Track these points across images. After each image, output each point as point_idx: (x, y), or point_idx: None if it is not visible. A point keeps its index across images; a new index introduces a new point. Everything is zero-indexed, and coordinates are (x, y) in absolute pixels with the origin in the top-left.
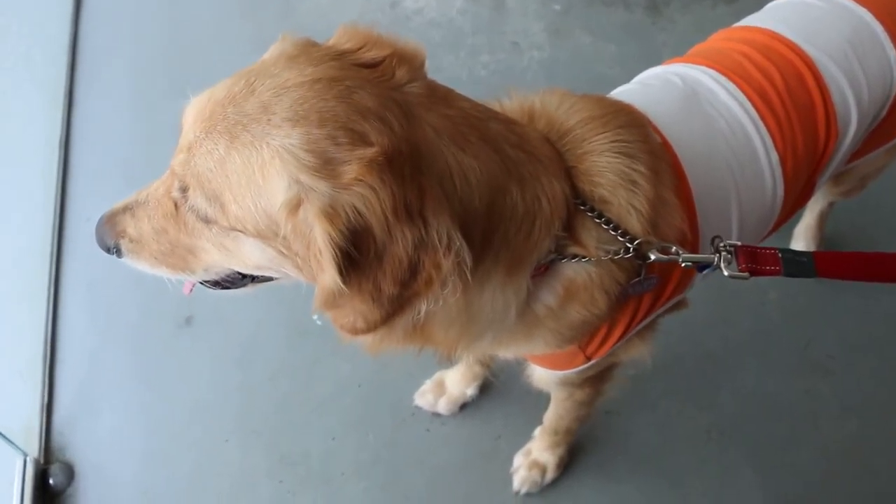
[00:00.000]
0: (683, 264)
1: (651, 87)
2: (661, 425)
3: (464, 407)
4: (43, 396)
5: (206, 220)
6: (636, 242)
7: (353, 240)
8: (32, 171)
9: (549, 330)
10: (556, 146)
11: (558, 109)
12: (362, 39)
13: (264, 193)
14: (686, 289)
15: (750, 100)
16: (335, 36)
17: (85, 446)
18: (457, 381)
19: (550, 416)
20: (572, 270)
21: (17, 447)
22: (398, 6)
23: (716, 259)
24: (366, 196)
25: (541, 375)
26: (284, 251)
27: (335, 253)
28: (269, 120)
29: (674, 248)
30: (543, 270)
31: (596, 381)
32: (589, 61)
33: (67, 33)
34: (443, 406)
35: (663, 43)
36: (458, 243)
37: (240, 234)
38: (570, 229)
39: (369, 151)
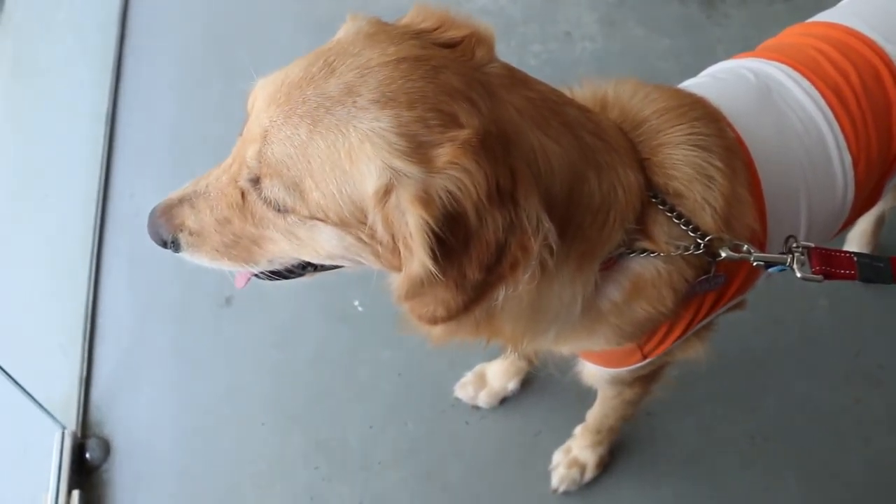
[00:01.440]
0: (755, 263)
1: (723, 81)
2: (703, 428)
3: (504, 401)
4: (82, 370)
5: (283, 210)
6: (707, 239)
7: (447, 225)
8: (77, 143)
9: (611, 326)
10: (630, 137)
11: (632, 99)
12: (438, 19)
13: (351, 180)
14: (749, 289)
15: (825, 98)
16: (410, 15)
17: (122, 422)
18: (498, 374)
19: (595, 413)
20: (640, 265)
21: (56, 419)
22: None
23: (788, 260)
24: (460, 179)
25: (591, 372)
26: (366, 239)
27: (429, 238)
28: (354, 102)
29: (745, 247)
30: (611, 265)
31: (647, 380)
32: (642, 54)
33: (118, 5)
34: (483, 399)
35: (717, 38)
36: (546, 225)
37: (318, 222)
38: (641, 223)
39: (462, 133)
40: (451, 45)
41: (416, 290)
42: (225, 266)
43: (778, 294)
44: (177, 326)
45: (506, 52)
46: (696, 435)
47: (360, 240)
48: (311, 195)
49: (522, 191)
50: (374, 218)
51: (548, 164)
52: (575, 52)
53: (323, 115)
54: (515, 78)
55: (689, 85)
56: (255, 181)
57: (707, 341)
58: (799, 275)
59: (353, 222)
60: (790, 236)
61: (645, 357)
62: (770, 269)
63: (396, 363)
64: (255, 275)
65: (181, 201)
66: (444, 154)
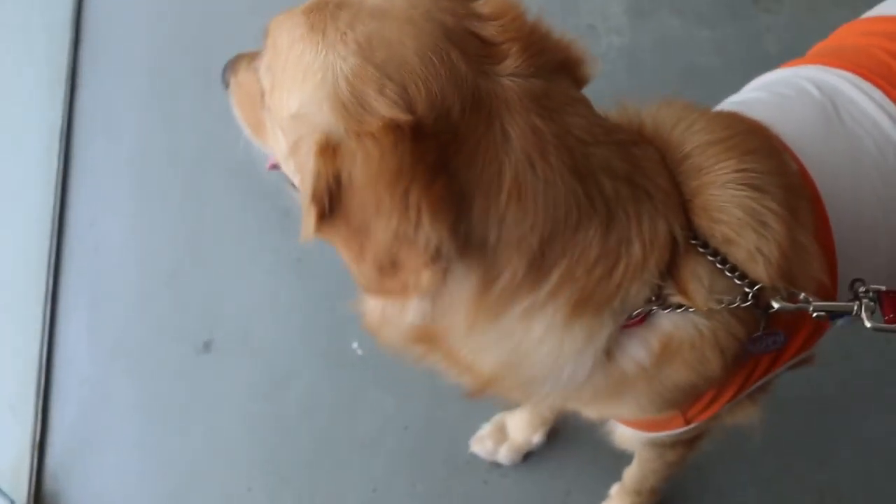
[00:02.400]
0: (815, 314)
1: (784, 99)
2: (763, 484)
3: (528, 456)
4: (35, 432)
5: (262, 93)
6: (756, 287)
7: (343, 189)
8: (28, 166)
9: (643, 393)
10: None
11: (674, 130)
12: (504, 10)
13: (295, 94)
14: (814, 344)
15: None
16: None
17: (82, 493)
18: (521, 426)
19: (633, 474)
20: (671, 323)
21: (2, 492)
22: None
23: (855, 307)
24: (370, 153)
25: (624, 434)
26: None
27: (316, 187)
28: (344, 35)
29: (802, 295)
30: (640, 321)
31: (692, 441)
32: (678, 48)
33: (70, 5)
34: (504, 454)
35: (766, 27)
36: (448, 254)
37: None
38: (676, 274)
39: (402, 117)
40: (488, 42)
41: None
42: (246, 131)
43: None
44: (146, 377)
45: None
46: (754, 492)
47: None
48: (276, 92)
49: (431, 212)
50: (290, 138)
51: (515, 199)
52: (601, 47)
53: (319, 28)
54: (540, 103)
55: (742, 101)
56: (260, 52)
57: (761, 404)
58: (869, 325)
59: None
60: (856, 280)
61: (688, 423)
62: (838, 322)
63: (403, 414)
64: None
65: (237, 61)
66: (372, 123)
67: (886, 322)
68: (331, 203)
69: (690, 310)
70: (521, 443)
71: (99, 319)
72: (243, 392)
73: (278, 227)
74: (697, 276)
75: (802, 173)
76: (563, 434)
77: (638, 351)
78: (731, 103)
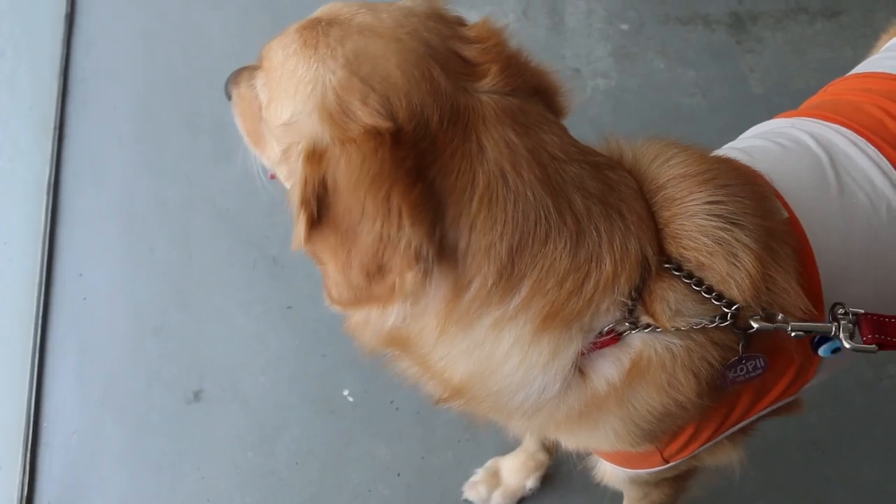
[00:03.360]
0: (793, 334)
1: (784, 149)
2: None
3: (522, 502)
4: (22, 487)
5: (260, 107)
6: (735, 308)
7: (329, 195)
8: (15, 216)
9: (619, 417)
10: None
11: (652, 164)
12: (487, 35)
13: (287, 105)
14: (801, 388)
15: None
16: (476, 24)
17: None
18: (515, 470)
19: None
20: (641, 342)
21: None
22: None
23: (834, 329)
24: (352, 158)
25: (607, 471)
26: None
27: (304, 192)
28: (334, 50)
29: (780, 316)
30: (612, 340)
31: (677, 480)
32: (663, 89)
33: (58, 55)
34: (498, 500)
35: (750, 67)
36: (427, 259)
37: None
38: (647, 295)
39: (383, 124)
40: (469, 63)
41: (301, 244)
42: (246, 140)
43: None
44: (136, 428)
45: None
46: None
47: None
48: (272, 105)
49: (411, 214)
50: (282, 146)
51: (486, 209)
52: (586, 91)
53: (312, 43)
54: (517, 120)
55: (742, 149)
56: (257, 68)
57: (742, 446)
58: (848, 346)
59: (282, 138)
60: (837, 303)
61: (666, 461)
62: (820, 350)
63: (395, 461)
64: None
65: (242, 72)
66: (354, 129)
67: (865, 343)
68: (319, 208)
69: (658, 330)
70: (515, 488)
71: (87, 370)
72: (234, 442)
73: (267, 275)
74: (665, 298)
75: (793, 222)
76: (557, 479)
77: (609, 369)
78: (731, 149)
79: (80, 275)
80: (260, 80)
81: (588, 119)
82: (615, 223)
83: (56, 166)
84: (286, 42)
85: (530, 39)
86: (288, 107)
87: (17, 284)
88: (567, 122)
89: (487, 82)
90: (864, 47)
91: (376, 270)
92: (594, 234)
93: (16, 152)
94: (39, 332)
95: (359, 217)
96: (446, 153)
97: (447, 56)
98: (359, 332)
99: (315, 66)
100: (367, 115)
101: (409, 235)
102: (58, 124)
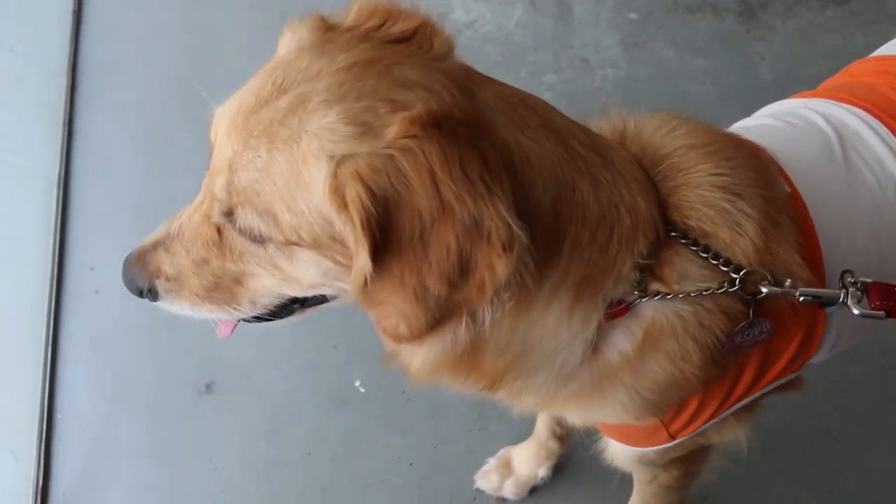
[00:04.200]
0: (801, 299)
1: (792, 127)
2: None
3: (534, 490)
4: (37, 478)
5: (260, 240)
6: (743, 273)
7: (391, 209)
8: (26, 211)
9: (626, 388)
10: (649, 175)
11: (655, 134)
12: (384, 13)
13: (309, 188)
14: (804, 364)
15: None
16: (354, 14)
17: None
18: (527, 459)
19: (635, 502)
20: (654, 310)
21: None
22: (447, 18)
23: (842, 295)
24: (408, 148)
25: (616, 451)
26: (342, 260)
27: (364, 217)
28: (305, 108)
29: (788, 281)
30: (622, 311)
31: (685, 461)
32: (673, 78)
33: (67, 51)
34: (510, 489)
35: (760, 55)
36: (518, 236)
37: (296, 248)
38: (655, 262)
39: (414, 111)
40: (404, 39)
41: (364, 288)
42: (206, 312)
43: (854, 351)
44: (149, 420)
45: (515, 84)
46: None
47: (337, 262)
48: (283, 218)
49: (494, 175)
50: (340, 225)
51: (525, 163)
52: (595, 80)
53: (277, 129)
54: (480, 75)
55: (750, 126)
56: (229, 213)
57: (748, 423)
58: (856, 311)
59: (326, 241)
60: (846, 271)
61: (672, 438)
62: (828, 309)
63: (407, 451)
64: (242, 320)
65: (155, 246)
66: (392, 130)
67: (873, 309)
68: (381, 232)
69: (668, 297)
70: (527, 477)
71: (100, 363)
72: (246, 434)
73: None
74: (673, 264)
75: (795, 197)
76: (568, 468)
77: (622, 340)
78: (740, 128)
79: (92, 269)
80: (243, 215)
81: (597, 109)
82: (618, 178)
83: (66, 161)
84: (250, 158)
85: (538, 30)
86: (310, 192)
87: (29, 278)
88: (577, 114)
89: (440, 47)
90: (876, 34)
91: (459, 274)
92: (605, 183)
93: (26, 148)
94: (52, 326)
95: (434, 214)
96: (472, 117)
97: (392, 49)
98: (432, 367)
99: (302, 134)
100: (389, 118)
101: (497, 209)
102: (67, 120)
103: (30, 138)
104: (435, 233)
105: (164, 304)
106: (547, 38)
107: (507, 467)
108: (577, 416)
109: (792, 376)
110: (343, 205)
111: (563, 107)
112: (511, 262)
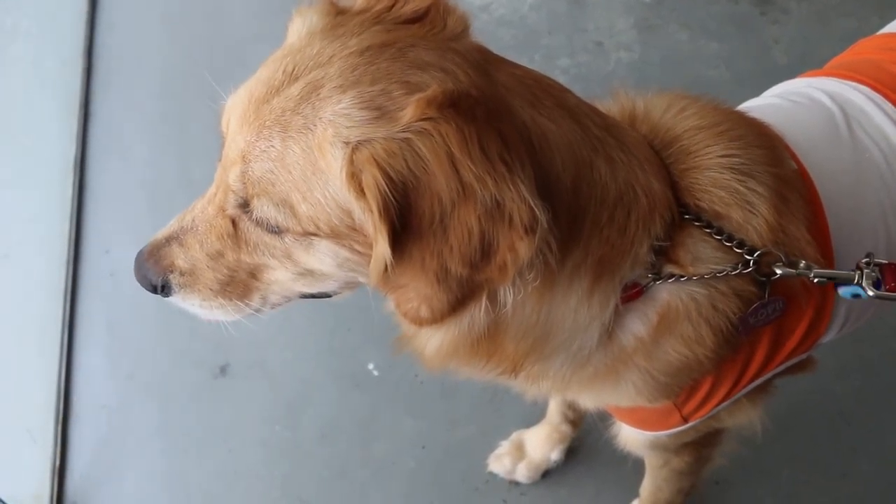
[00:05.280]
0: (816, 280)
1: (796, 106)
2: (784, 499)
3: (547, 474)
4: (55, 459)
5: (278, 230)
6: (758, 254)
7: (410, 193)
8: (43, 195)
9: (640, 371)
10: (661, 156)
11: (665, 115)
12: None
13: (326, 176)
14: (815, 343)
15: None
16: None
17: None
18: (539, 442)
19: (647, 486)
20: (669, 293)
21: None
22: (462, 2)
23: (857, 276)
24: (425, 130)
25: (628, 435)
26: (360, 249)
27: (381, 203)
28: (318, 94)
29: (803, 263)
30: (636, 294)
31: (697, 446)
32: (686, 62)
33: (82, 34)
34: (522, 473)
35: (774, 39)
36: (541, 218)
37: (314, 238)
38: (671, 244)
39: (429, 92)
40: (416, 19)
41: (383, 274)
42: (217, 308)
43: (865, 332)
44: (164, 402)
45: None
46: None
47: (354, 251)
48: (300, 208)
49: (514, 155)
50: (359, 213)
51: (544, 141)
52: (609, 64)
53: (290, 118)
54: (495, 55)
55: (754, 107)
56: (245, 205)
57: (761, 405)
58: (871, 293)
59: (344, 230)
60: (869, 254)
61: (685, 420)
62: (840, 290)
63: (420, 434)
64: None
65: (168, 240)
66: (408, 113)
67: (889, 290)
68: (400, 218)
69: (682, 279)
70: (540, 460)
71: (116, 345)
72: (260, 416)
73: None
74: (686, 246)
75: (802, 174)
76: (581, 452)
77: (637, 324)
78: (746, 108)
79: (108, 251)
80: (259, 205)
81: (611, 93)
82: (631, 158)
83: (82, 144)
84: (264, 148)
85: (552, 13)
86: (327, 180)
87: (45, 261)
88: (589, 97)
89: (454, 26)
90: (893, 16)
91: (480, 256)
92: (620, 162)
93: (42, 131)
94: (68, 309)
95: (454, 197)
96: (489, 96)
97: (406, 29)
98: (450, 351)
99: (316, 121)
100: (404, 100)
101: (518, 190)
102: (83, 102)
103: (46, 122)
104: (455, 215)
105: (176, 300)
106: (561, 21)
107: (519, 451)
108: (590, 400)
109: (804, 356)
110: (361, 191)
111: (576, 90)
112: (533, 243)
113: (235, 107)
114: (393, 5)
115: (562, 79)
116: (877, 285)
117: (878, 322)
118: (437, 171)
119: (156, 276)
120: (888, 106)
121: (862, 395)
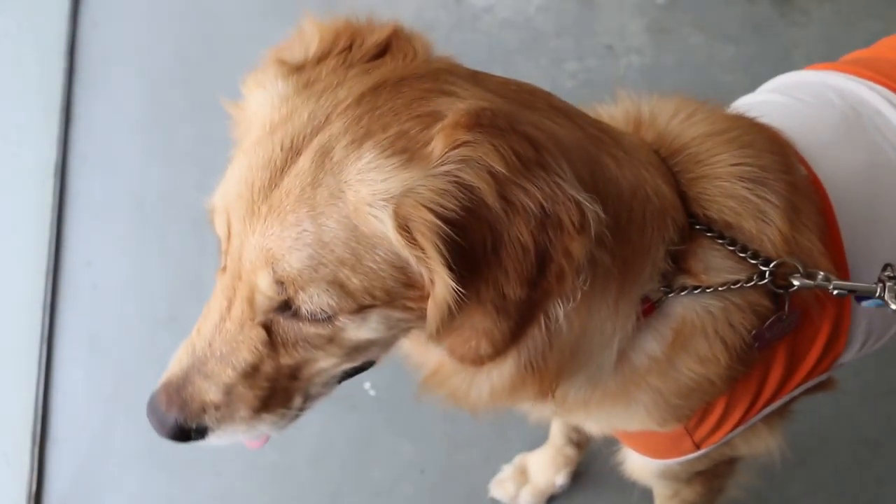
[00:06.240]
0: (835, 293)
1: (801, 104)
2: None
3: (551, 500)
4: (31, 484)
5: (328, 317)
6: (774, 264)
7: (462, 225)
8: (21, 202)
9: (652, 391)
10: (667, 165)
11: (672, 120)
12: (348, 33)
13: (373, 239)
14: (833, 362)
15: None
16: (317, 43)
17: None
18: (543, 466)
19: None
20: (683, 307)
21: None
22: (463, 3)
23: (878, 290)
24: (465, 157)
25: (636, 463)
26: (411, 304)
27: (439, 241)
28: (331, 159)
29: (821, 274)
30: (649, 309)
31: (710, 476)
32: (701, 66)
33: (65, 33)
34: (526, 499)
35: (794, 42)
36: (590, 211)
37: (368, 311)
38: (680, 255)
39: (450, 118)
40: (381, 53)
41: (446, 318)
42: (265, 426)
43: (890, 356)
44: (148, 423)
45: (535, 73)
46: None
47: (407, 308)
48: (351, 284)
49: (549, 155)
50: (414, 262)
51: (556, 141)
52: (619, 68)
53: (313, 192)
54: (470, 69)
55: (755, 103)
56: (285, 306)
57: (779, 431)
58: (894, 307)
59: (398, 290)
60: (888, 265)
61: (697, 447)
62: (864, 303)
63: (419, 458)
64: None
65: (186, 377)
66: (437, 145)
67: None
68: (454, 255)
69: (696, 291)
70: (545, 485)
71: (97, 362)
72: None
73: None
74: (699, 257)
75: (812, 179)
76: (587, 476)
77: (651, 343)
78: (744, 104)
79: (89, 263)
80: (308, 297)
81: (613, 95)
82: (631, 156)
83: (64, 149)
84: (295, 236)
85: (560, 14)
86: (373, 243)
87: (24, 273)
88: (594, 103)
89: (423, 50)
90: None
91: (537, 271)
92: (622, 159)
93: (22, 135)
94: (48, 323)
95: (503, 217)
96: (499, 105)
97: (384, 67)
98: (499, 389)
99: (343, 186)
100: (425, 134)
101: (561, 189)
102: (65, 105)
103: (26, 125)
104: (507, 237)
105: (216, 438)
106: (569, 23)
107: (523, 475)
108: (596, 424)
109: (823, 377)
110: (413, 241)
111: (585, 96)
112: (586, 241)
113: (233, 203)
114: (351, 45)
115: (569, 84)
116: None
117: None
118: (486, 196)
119: (189, 421)
120: None
121: (888, 422)
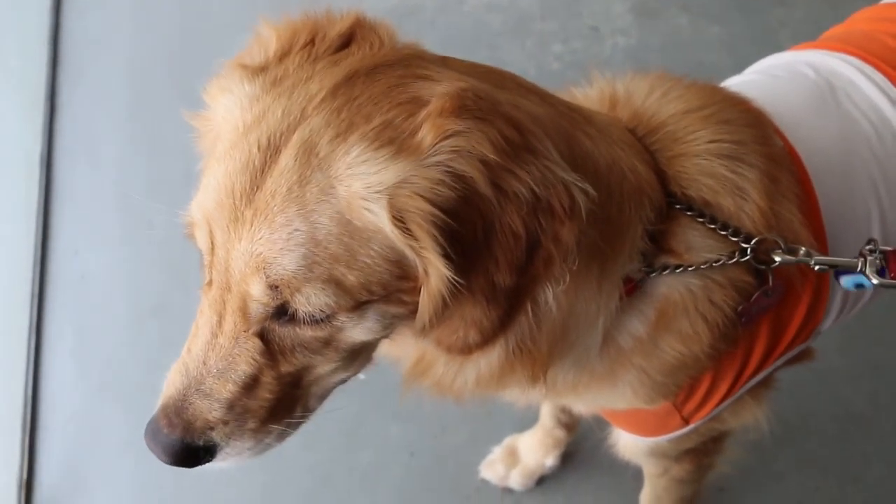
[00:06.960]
0: (817, 268)
1: (776, 79)
2: None
3: (542, 481)
4: (21, 472)
5: (326, 317)
6: (755, 241)
7: (456, 214)
8: (7, 193)
9: (638, 371)
10: (644, 143)
11: (648, 98)
12: (308, 28)
13: (367, 233)
14: (813, 330)
15: None
16: (275, 42)
17: None
18: (533, 447)
19: (646, 495)
20: (666, 287)
21: None
22: None
23: (860, 264)
24: (456, 147)
25: (626, 443)
26: (406, 297)
27: (434, 233)
28: (317, 155)
29: (803, 249)
30: (631, 289)
31: (698, 454)
32: (687, 47)
33: (47, 20)
34: (516, 479)
35: (780, 21)
36: (579, 188)
37: (366, 307)
38: (661, 233)
39: (432, 105)
40: (345, 44)
41: (440, 309)
42: (272, 437)
43: (876, 333)
44: (137, 411)
45: (520, 56)
46: None
47: (402, 302)
48: (347, 280)
49: (534, 138)
50: (412, 255)
51: (537, 120)
52: (604, 50)
53: (300, 191)
54: (437, 54)
55: (734, 84)
56: (280, 312)
57: (765, 402)
58: (875, 281)
59: (394, 283)
60: (871, 239)
61: (686, 422)
62: (842, 280)
63: (408, 440)
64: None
65: (184, 399)
66: (426, 134)
67: (893, 279)
68: (458, 244)
69: (677, 270)
70: (534, 466)
71: (86, 352)
72: None
73: None
74: (679, 235)
75: (788, 150)
76: (577, 457)
77: (634, 322)
78: (726, 85)
79: (77, 252)
80: (304, 298)
81: (586, 77)
82: (603, 133)
83: (48, 140)
84: (286, 237)
85: None
86: (369, 237)
87: (11, 263)
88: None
89: (388, 38)
90: None
91: (525, 258)
92: (595, 136)
93: (5, 125)
94: (35, 313)
95: (495, 205)
96: (476, 88)
97: (352, 58)
98: (486, 377)
99: (334, 182)
100: (412, 122)
101: (552, 171)
102: (49, 94)
103: (8, 116)
104: (498, 224)
105: (226, 456)
106: (554, 5)
107: (512, 456)
108: (585, 406)
109: (803, 346)
110: (409, 231)
111: (571, 78)
112: (576, 226)
113: (214, 213)
114: (314, 38)
115: (555, 66)
116: (880, 272)
117: (888, 322)
118: (478, 184)
119: (196, 439)
120: (878, 76)
121: (875, 397)
